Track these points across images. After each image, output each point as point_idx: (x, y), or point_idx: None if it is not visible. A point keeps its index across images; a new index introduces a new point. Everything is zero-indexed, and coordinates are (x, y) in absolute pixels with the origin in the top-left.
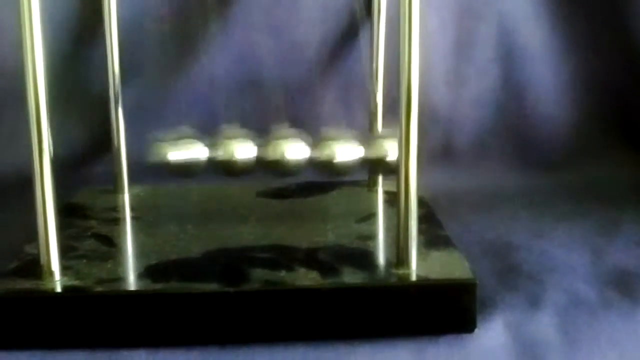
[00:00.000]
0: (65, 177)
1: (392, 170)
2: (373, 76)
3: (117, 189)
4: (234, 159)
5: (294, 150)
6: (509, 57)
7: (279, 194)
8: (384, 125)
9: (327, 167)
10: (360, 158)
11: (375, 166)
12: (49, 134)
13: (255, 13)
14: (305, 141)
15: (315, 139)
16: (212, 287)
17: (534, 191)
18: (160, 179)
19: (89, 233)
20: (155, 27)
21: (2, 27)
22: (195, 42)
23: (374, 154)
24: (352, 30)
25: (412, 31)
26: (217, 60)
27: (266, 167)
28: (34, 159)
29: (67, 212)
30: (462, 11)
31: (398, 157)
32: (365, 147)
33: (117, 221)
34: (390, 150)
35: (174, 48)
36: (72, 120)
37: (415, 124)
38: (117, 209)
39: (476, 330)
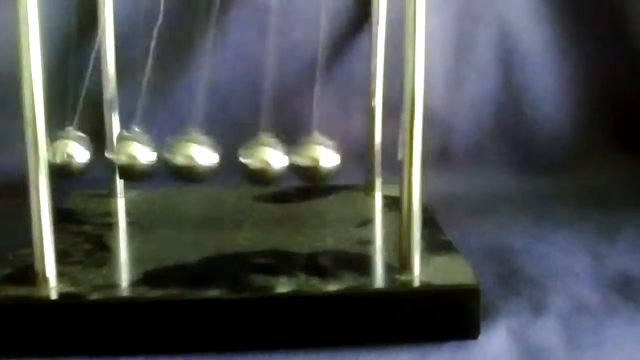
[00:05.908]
0: (59, 182)
1: (324, 177)
2: (372, 79)
3: (111, 193)
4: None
5: (203, 155)
6: (508, 59)
7: (276, 198)
8: (383, 128)
9: (256, 175)
10: (288, 165)
11: (306, 174)
12: (46, 138)
13: (253, 14)
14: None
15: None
16: (212, 293)
17: (534, 194)
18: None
19: (84, 238)
20: (152, 29)
21: None
22: (192, 44)
23: (304, 161)
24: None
25: (416, 35)
26: (214, 62)
27: (174, 172)
28: (30, 163)
29: (60, 217)
30: (462, 13)
31: (401, 161)
32: (294, 154)
33: (112, 226)
34: (322, 156)
35: (171, 50)
36: (66, 123)
37: (420, 128)
38: (111, 213)
39: (480, 336)
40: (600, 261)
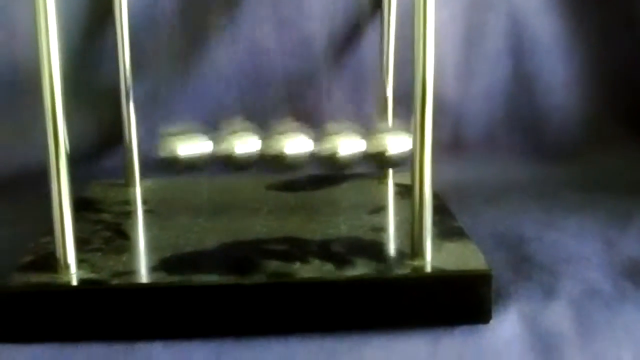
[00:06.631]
0: (76, 171)
1: (393, 164)
2: (383, 69)
3: (128, 182)
4: (236, 153)
5: (296, 144)
6: (519, 48)
7: (289, 186)
8: (393, 119)
9: (329, 161)
10: (362, 152)
11: (376, 160)
12: (65, 127)
13: (264, 6)
14: (308, 135)
15: (318, 133)
16: (228, 279)
17: (545, 182)
18: (171, 173)
19: (103, 226)
20: (166, 21)
21: (16, 21)
22: (205, 36)
23: (375, 148)
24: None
25: (426, 24)
26: (227, 53)
27: (268, 161)
28: (50, 152)
29: (79, 205)
30: (472, 2)
31: (413, 149)
32: (367, 141)
33: (130, 214)
34: (390, 144)
35: (184, 42)
36: (83, 114)
37: (430, 115)
38: (129, 202)
39: (491, 321)
40: (611, 247)
